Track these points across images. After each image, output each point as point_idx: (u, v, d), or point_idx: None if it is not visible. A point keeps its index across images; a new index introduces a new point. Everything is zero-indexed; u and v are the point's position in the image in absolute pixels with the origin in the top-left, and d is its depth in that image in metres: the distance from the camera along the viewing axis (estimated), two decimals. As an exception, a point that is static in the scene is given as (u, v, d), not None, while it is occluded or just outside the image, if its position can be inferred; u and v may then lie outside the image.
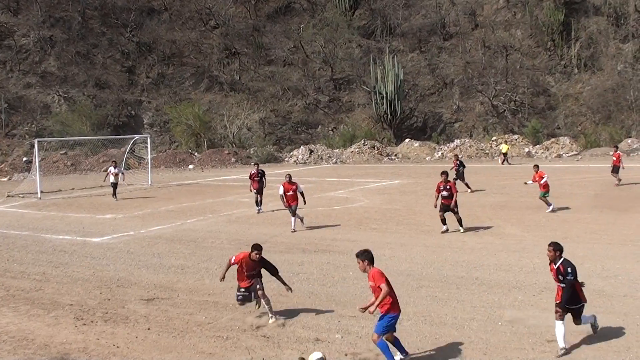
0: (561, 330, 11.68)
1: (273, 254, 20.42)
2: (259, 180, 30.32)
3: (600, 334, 12.47)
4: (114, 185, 37.99)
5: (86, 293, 16.48)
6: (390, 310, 11.19)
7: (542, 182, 27.42)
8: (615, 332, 12.60)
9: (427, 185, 39.24)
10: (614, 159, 36.18)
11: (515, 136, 64.67)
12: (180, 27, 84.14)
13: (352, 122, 72.85)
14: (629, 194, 32.52)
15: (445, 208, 23.61)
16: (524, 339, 12.41)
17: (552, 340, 12.17)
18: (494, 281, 16.52)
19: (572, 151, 59.36)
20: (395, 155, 64.33)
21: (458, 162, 36.16)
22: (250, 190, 30.76)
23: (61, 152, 62.27)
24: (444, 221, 23.78)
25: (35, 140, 43.25)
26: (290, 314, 14.30)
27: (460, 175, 35.24)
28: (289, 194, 25.03)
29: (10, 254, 22.00)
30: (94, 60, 77.56)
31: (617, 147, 38.34)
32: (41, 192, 39.54)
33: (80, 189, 43.72)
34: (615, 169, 35.93)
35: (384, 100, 70.77)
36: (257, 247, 13.77)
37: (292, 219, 25.15)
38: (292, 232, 24.74)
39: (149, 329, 13.65)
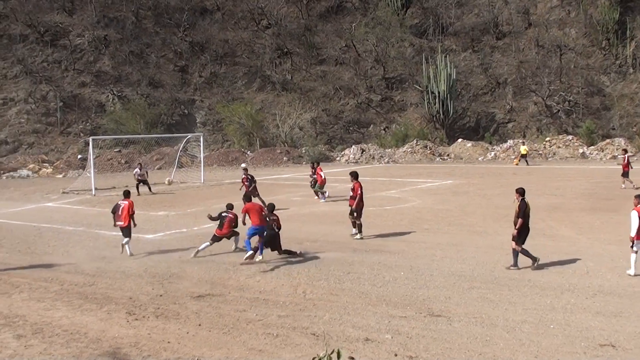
0: None
1: (324, 252, 20.45)
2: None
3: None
4: (140, 182, 40.31)
5: (138, 288, 16.67)
6: None
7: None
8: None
9: (480, 185, 38.93)
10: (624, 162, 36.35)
11: (570, 137, 63.78)
12: (233, 26, 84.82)
13: (405, 122, 72.58)
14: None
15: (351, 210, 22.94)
16: (576, 342, 12.19)
17: (605, 345, 11.97)
18: (547, 283, 16.28)
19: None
20: (448, 155, 63.95)
21: (248, 177, 30.68)
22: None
23: (115, 150, 63.18)
24: (353, 224, 23.18)
25: (90, 138, 43.85)
26: (340, 313, 14.28)
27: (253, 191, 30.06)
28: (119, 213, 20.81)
29: (64, 249, 22.37)
30: (147, 59, 78.59)
31: (625, 151, 38.34)
32: (95, 188, 40.17)
33: (133, 186, 44.18)
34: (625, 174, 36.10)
35: (437, 100, 70.46)
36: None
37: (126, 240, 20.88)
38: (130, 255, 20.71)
39: (200, 325, 13.73)
